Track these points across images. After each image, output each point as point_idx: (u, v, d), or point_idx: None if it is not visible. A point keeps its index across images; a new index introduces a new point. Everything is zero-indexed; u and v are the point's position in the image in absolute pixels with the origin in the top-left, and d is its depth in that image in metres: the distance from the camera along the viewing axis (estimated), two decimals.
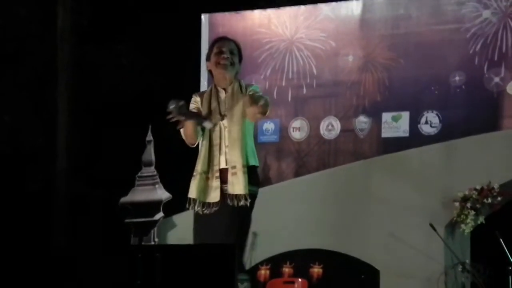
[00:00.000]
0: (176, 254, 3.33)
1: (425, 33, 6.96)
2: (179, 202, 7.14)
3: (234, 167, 3.78)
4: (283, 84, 7.47)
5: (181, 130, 3.93)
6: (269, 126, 7.34)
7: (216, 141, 3.86)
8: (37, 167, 9.70)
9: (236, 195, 3.75)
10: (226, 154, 3.83)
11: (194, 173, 3.87)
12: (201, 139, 3.93)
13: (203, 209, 3.81)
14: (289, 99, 7.43)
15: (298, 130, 7.36)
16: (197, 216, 3.85)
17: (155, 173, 7.23)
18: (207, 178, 3.83)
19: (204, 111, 3.91)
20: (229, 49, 3.91)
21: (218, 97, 3.92)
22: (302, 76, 7.40)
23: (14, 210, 9.24)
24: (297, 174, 7.22)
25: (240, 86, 3.92)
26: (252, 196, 3.81)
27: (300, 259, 6.62)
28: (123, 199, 7.23)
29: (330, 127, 7.25)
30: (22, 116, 9.76)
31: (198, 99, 3.99)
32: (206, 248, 3.55)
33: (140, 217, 7.04)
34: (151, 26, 9.99)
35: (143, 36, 10.04)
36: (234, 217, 3.75)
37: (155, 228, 7.03)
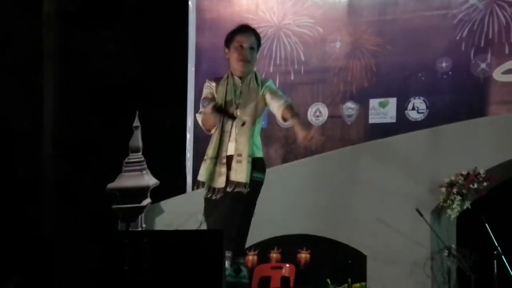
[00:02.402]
0: (163, 240, 3.34)
1: (412, 19, 6.96)
2: (166, 188, 7.17)
3: (239, 155, 3.87)
4: (271, 70, 7.46)
5: (200, 117, 3.97)
6: None
7: (227, 128, 3.95)
8: (24, 152, 9.66)
9: (237, 182, 3.84)
10: (235, 142, 3.90)
11: (205, 158, 3.97)
12: None
13: (209, 193, 3.93)
14: (277, 85, 7.39)
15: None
16: (206, 200, 3.94)
17: (142, 159, 7.22)
18: (215, 164, 3.90)
19: (219, 98, 3.98)
20: (249, 45, 4.00)
21: (234, 85, 3.96)
22: (290, 62, 7.40)
23: (0, 196, 9.20)
24: (285, 160, 7.23)
25: (256, 78, 4.03)
26: (259, 182, 3.97)
27: (288, 245, 6.65)
28: (110, 185, 7.21)
29: (318, 113, 7.26)
30: (8, 102, 9.69)
31: (213, 84, 4.06)
32: (194, 233, 3.56)
33: (127, 203, 7.04)
34: (138, 12, 9.93)
35: (130, 22, 9.98)
36: (237, 203, 3.82)
37: (143, 214, 7.03)
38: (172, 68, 8.44)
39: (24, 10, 9.67)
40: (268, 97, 4.02)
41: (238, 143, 3.89)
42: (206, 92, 4.03)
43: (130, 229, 6.90)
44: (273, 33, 7.49)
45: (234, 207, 3.82)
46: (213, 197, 3.90)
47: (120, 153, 7.34)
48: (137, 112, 7.35)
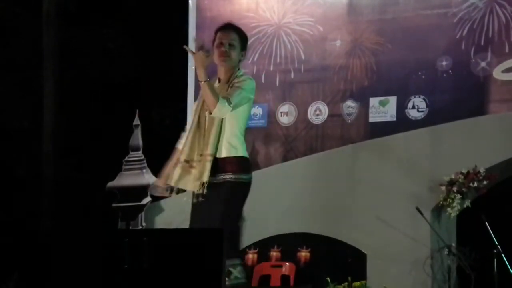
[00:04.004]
0: (163, 239, 3.33)
1: (413, 18, 6.95)
2: None
3: (201, 154, 3.79)
4: (271, 68, 7.45)
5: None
6: (257, 111, 7.33)
7: (202, 131, 3.89)
8: (24, 151, 9.66)
9: (204, 182, 3.78)
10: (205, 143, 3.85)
11: (175, 161, 3.91)
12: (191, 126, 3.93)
13: (193, 199, 3.87)
14: (277, 83, 7.42)
15: (286, 114, 7.36)
16: (192, 206, 3.89)
17: (143, 157, 7.21)
18: (190, 167, 3.85)
19: (199, 100, 3.95)
20: (228, 41, 3.93)
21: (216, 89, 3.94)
22: (290, 61, 7.39)
23: (0, 194, 9.21)
24: (285, 158, 7.23)
25: (235, 76, 3.93)
26: (245, 184, 3.85)
27: (288, 243, 6.64)
28: (110, 184, 7.21)
29: (318, 111, 7.26)
30: (8, 101, 9.70)
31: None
32: (194, 232, 3.56)
33: (127, 202, 7.03)
34: (138, 10, 9.94)
35: (130, 20, 9.99)
36: (219, 205, 3.77)
37: (143, 213, 7.03)
38: (172, 67, 8.45)
39: (24, 9, 9.67)
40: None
41: (207, 144, 3.81)
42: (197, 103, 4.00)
43: (130, 227, 6.90)
44: (273, 31, 7.48)
45: (216, 209, 3.74)
46: (193, 200, 3.86)
47: (120, 152, 7.34)
48: (137, 111, 7.34)
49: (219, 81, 3.97)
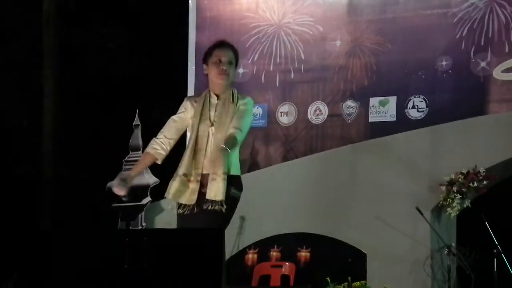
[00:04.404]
0: (163, 239, 3.33)
1: (413, 18, 6.96)
2: (166, 187, 7.16)
3: (214, 173, 3.81)
4: (271, 68, 7.45)
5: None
6: (257, 111, 7.33)
7: (202, 145, 3.91)
8: (23, 150, 9.66)
9: (213, 200, 3.81)
10: (209, 160, 3.86)
11: (174, 175, 3.94)
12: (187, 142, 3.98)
13: (179, 209, 3.92)
14: (277, 83, 7.42)
15: (286, 114, 7.36)
16: (179, 215, 3.93)
17: None
18: (188, 181, 3.87)
19: (196, 115, 3.95)
20: (228, 60, 3.97)
21: (210, 103, 3.95)
22: (290, 61, 7.39)
23: (0, 194, 9.20)
24: (285, 158, 7.23)
25: (233, 95, 3.99)
26: (235, 199, 3.90)
27: (288, 243, 6.65)
28: (110, 183, 7.20)
29: (318, 111, 7.26)
30: (7, 100, 9.69)
31: (188, 104, 4.02)
32: (194, 232, 3.56)
33: (128, 202, 7.03)
34: (138, 10, 9.94)
35: (130, 20, 9.98)
36: (213, 220, 3.80)
37: (143, 213, 7.03)
38: (172, 67, 8.45)
39: (24, 9, 9.67)
40: (236, 114, 3.95)
41: (213, 162, 3.83)
42: (179, 112, 4.01)
43: (130, 227, 6.90)
44: (273, 31, 7.48)
45: (210, 224, 3.79)
46: (185, 213, 3.88)
47: (120, 152, 7.34)
48: (137, 111, 7.34)
49: (218, 97, 3.98)
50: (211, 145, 3.90)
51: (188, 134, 4.07)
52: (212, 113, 3.94)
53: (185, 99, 4.09)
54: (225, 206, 3.83)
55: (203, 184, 3.86)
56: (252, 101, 4.04)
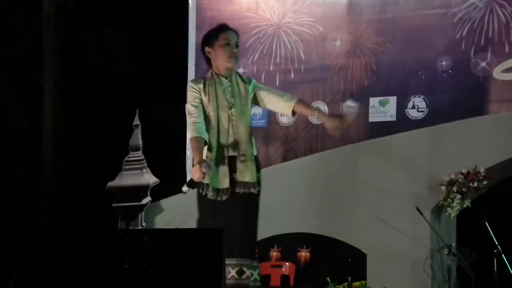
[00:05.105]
0: (163, 239, 3.33)
1: (413, 18, 6.96)
2: (166, 187, 7.17)
3: (243, 155, 3.81)
4: (271, 68, 7.45)
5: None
6: (257, 111, 7.32)
7: (224, 128, 3.88)
8: (23, 150, 9.66)
9: (246, 182, 3.82)
10: (234, 143, 3.85)
11: (194, 162, 3.91)
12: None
13: (213, 194, 3.84)
14: (277, 83, 7.42)
15: (286, 114, 7.36)
16: (203, 202, 3.87)
17: (142, 157, 7.21)
18: (217, 165, 3.84)
19: (211, 98, 3.90)
20: (235, 42, 3.97)
21: (221, 85, 3.92)
22: (290, 61, 7.39)
23: (0, 194, 9.20)
24: (285, 158, 7.23)
25: (239, 75, 4.01)
26: (259, 181, 3.94)
27: (288, 243, 6.64)
28: (110, 184, 7.21)
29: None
30: (7, 100, 9.70)
31: (200, 86, 3.94)
32: (194, 232, 3.56)
33: (127, 202, 7.03)
34: (138, 10, 9.94)
35: (130, 20, 9.99)
36: (249, 203, 3.82)
37: (143, 213, 7.03)
38: (172, 67, 8.45)
39: (24, 9, 9.67)
40: (263, 94, 3.97)
41: (240, 144, 3.84)
42: (193, 96, 3.90)
43: (130, 227, 6.90)
44: (273, 31, 7.48)
45: (246, 208, 3.79)
46: (218, 198, 3.85)
47: (120, 152, 7.34)
48: (137, 111, 7.34)
49: (226, 79, 3.95)
50: (234, 127, 3.87)
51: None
52: (228, 96, 3.92)
53: (191, 82, 4.01)
54: (257, 188, 3.84)
55: (231, 168, 3.84)
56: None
